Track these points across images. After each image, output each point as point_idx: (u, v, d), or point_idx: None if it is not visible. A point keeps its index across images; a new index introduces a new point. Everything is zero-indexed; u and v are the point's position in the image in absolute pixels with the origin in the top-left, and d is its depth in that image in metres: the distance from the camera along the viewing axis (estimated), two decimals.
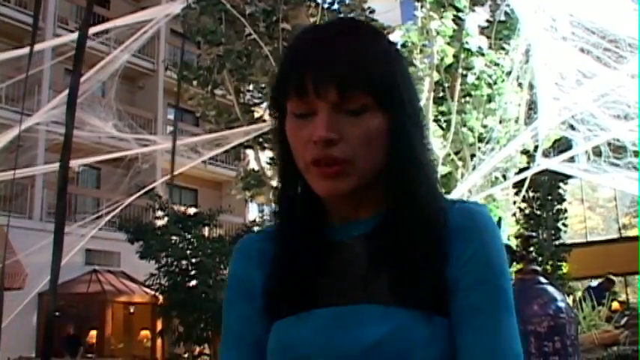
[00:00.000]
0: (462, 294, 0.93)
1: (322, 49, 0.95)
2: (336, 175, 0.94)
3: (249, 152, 10.98)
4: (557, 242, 16.68)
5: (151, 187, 12.41)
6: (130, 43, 6.93)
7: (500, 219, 7.13)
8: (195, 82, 9.91)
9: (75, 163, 9.86)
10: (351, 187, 0.96)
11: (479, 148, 9.19)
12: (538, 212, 16.60)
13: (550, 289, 3.75)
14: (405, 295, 0.92)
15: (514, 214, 12.07)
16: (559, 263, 16.29)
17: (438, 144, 8.71)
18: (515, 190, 10.78)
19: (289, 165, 1.01)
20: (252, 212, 22.05)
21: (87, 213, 19.61)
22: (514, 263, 3.81)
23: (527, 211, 16.45)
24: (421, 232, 0.96)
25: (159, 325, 15.89)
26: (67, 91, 7.74)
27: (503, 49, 9.50)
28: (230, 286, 1.08)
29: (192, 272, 13.76)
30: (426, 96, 8.63)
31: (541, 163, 7.86)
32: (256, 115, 10.30)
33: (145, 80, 21.89)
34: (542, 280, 3.76)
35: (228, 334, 1.06)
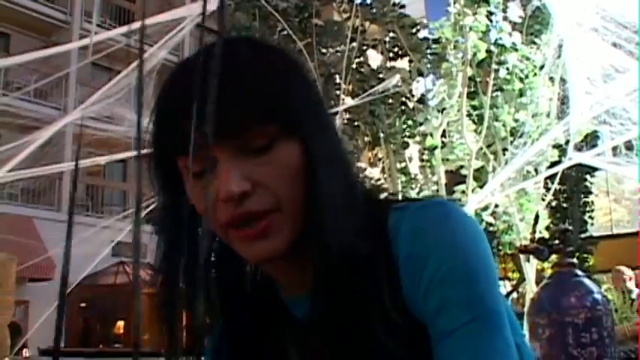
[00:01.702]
0: (431, 326, 0.77)
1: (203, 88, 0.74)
2: (262, 235, 0.78)
3: None
4: (583, 235, 16.61)
5: None
6: (167, 40, 7.03)
7: (537, 214, 7.15)
8: None
9: (109, 159, 9.99)
10: (288, 240, 0.79)
11: (511, 142, 9.22)
12: (565, 205, 16.54)
13: (586, 281, 3.80)
14: None
15: (545, 208, 12.08)
16: (585, 256, 16.23)
17: (470, 138, 8.72)
18: (544, 184, 10.81)
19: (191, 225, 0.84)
20: None
21: (114, 206, 19.93)
22: (550, 256, 3.87)
23: (553, 204, 16.39)
24: (360, 308, 0.79)
25: (184, 317, 16.03)
26: (104, 87, 7.90)
27: (534, 43, 9.52)
28: None
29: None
30: (459, 91, 8.65)
31: (573, 157, 7.84)
32: None
33: (163, 71, 22.02)
34: (579, 272, 3.81)
35: None
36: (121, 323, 18.10)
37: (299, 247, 0.80)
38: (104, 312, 18.10)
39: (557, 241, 3.87)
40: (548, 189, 11.05)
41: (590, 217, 17.26)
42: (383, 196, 0.91)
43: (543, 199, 10.89)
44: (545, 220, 11.05)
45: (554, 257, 3.86)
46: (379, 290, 0.78)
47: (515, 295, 15.39)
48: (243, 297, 0.90)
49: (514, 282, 16.17)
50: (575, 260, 3.76)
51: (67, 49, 12.01)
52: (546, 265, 12.80)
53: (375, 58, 11.75)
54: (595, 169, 16.01)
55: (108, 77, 19.22)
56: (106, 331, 18.13)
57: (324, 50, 10.67)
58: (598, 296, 3.69)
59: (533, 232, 4.40)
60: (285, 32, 9.02)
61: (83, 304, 17.39)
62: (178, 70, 0.83)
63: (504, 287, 14.01)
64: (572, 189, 16.62)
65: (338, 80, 10.68)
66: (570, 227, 4.72)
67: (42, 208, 17.48)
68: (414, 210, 0.81)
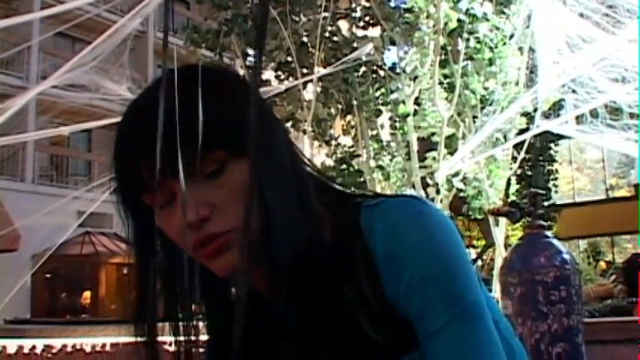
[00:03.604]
0: (416, 328, 0.80)
1: (147, 129, 0.77)
2: (222, 250, 0.81)
3: None
4: (547, 202, 16.91)
5: None
6: (140, 9, 6.97)
7: (509, 179, 7.27)
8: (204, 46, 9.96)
9: (75, 128, 9.86)
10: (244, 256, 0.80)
11: (481, 109, 9.38)
12: (529, 173, 16.80)
13: (555, 242, 3.93)
14: None
15: (515, 173, 12.32)
16: (549, 223, 16.57)
17: (442, 106, 8.82)
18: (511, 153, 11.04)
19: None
20: None
21: (79, 175, 19.67)
22: (521, 219, 3.99)
23: (519, 172, 16.65)
24: (336, 308, 0.82)
25: None
26: (77, 57, 7.78)
27: (504, 13, 9.65)
28: None
29: None
30: (431, 59, 8.73)
31: (540, 125, 8.00)
32: (263, 77, 10.42)
33: (135, 42, 21.68)
34: (548, 234, 3.94)
35: None
36: (87, 293, 18.03)
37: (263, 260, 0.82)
38: (70, 282, 17.99)
39: (527, 205, 3.97)
40: (515, 158, 11.27)
41: (554, 185, 17.59)
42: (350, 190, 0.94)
43: (511, 168, 11.11)
44: (513, 186, 11.34)
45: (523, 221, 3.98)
46: (358, 284, 0.81)
47: (479, 262, 15.70)
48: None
49: (479, 249, 16.48)
50: (544, 222, 3.88)
51: (30, 19, 11.75)
52: (511, 232, 13.10)
53: (348, 28, 11.79)
54: (560, 138, 16.30)
55: (71, 45, 18.92)
56: (72, 301, 18.05)
57: (296, 19, 10.65)
58: (567, 256, 3.82)
59: (506, 195, 4.51)
60: (257, 1, 8.98)
61: (48, 275, 17.25)
62: (130, 112, 0.86)
63: (470, 255, 14.22)
64: (536, 157, 16.87)
65: (311, 49, 10.71)
66: (541, 191, 4.84)
67: (5, 178, 17.16)
68: (387, 209, 0.83)
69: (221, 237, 0.80)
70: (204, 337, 0.97)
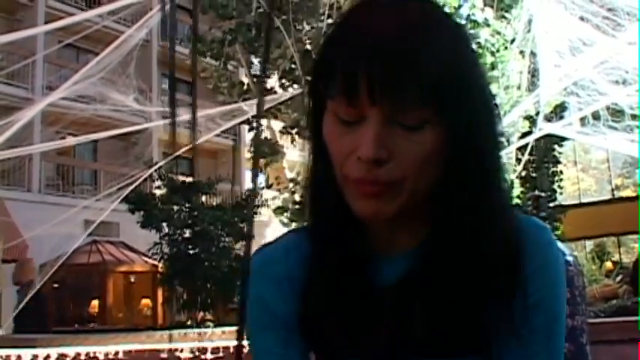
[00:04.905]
0: (516, 342, 0.84)
1: (386, 42, 0.77)
2: (379, 195, 0.80)
3: (263, 122, 11.12)
4: (552, 204, 16.91)
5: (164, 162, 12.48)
6: (147, 20, 7.08)
7: (512, 182, 7.33)
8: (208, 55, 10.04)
9: (84, 139, 9.95)
10: (395, 210, 0.81)
11: None
12: (534, 175, 16.80)
13: (558, 244, 3.98)
14: (452, 347, 0.84)
15: (518, 177, 12.37)
16: (555, 224, 16.54)
17: None
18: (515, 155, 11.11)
19: (323, 169, 0.86)
20: (248, 180, 22.18)
21: (85, 185, 19.76)
22: None
23: (523, 174, 16.63)
24: (465, 274, 0.83)
25: (159, 294, 16.08)
26: (84, 68, 7.89)
27: (505, 18, 9.74)
28: (258, 313, 0.95)
29: (194, 240, 13.94)
30: None
31: (543, 128, 8.07)
32: (268, 86, 10.49)
33: (139, 51, 21.77)
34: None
35: (270, 357, 0.93)
36: (95, 302, 18.06)
37: (407, 216, 0.84)
38: (77, 291, 18.03)
39: (530, 207, 4.02)
40: (519, 160, 11.33)
41: (559, 187, 17.56)
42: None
43: (515, 170, 11.16)
44: (516, 189, 11.41)
45: None
46: (494, 272, 0.83)
47: None
48: (331, 243, 0.91)
49: None
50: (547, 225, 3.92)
51: (36, 32, 11.89)
52: None
53: None
54: (563, 140, 16.30)
55: (75, 55, 19.02)
56: (80, 310, 18.09)
57: (300, 27, 10.68)
58: (570, 258, 3.84)
59: None
60: (260, 9, 9.09)
61: (56, 284, 17.30)
62: (370, 9, 0.82)
63: None
64: (541, 159, 16.87)
65: (315, 56, 10.72)
66: (542, 194, 4.89)
67: (12, 188, 17.25)
68: (527, 226, 0.88)
69: (386, 185, 0.79)
70: None
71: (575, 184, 23.49)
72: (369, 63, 0.76)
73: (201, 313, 14.41)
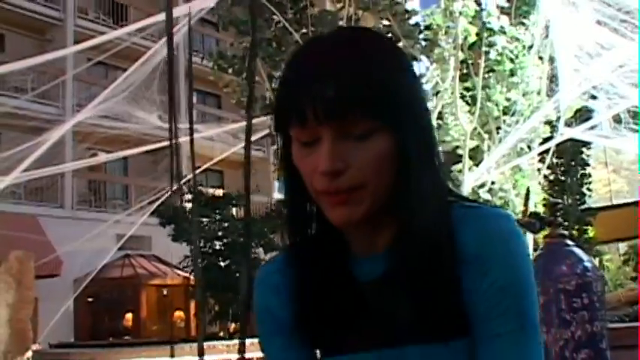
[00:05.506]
0: (481, 321, 0.92)
1: (321, 71, 0.88)
2: (346, 203, 0.90)
3: None
4: (582, 207, 16.69)
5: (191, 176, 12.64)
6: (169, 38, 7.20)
7: (528, 189, 7.32)
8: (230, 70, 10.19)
9: (115, 156, 10.11)
10: (364, 213, 0.91)
11: (504, 120, 9.47)
12: (562, 178, 16.60)
13: (577, 250, 3.99)
14: (435, 331, 0.91)
15: (540, 183, 12.30)
16: (585, 227, 16.32)
17: (464, 119, 8.91)
18: (539, 158, 11.03)
19: (298, 189, 0.97)
20: (278, 191, 22.27)
21: (116, 199, 20.04)
22: (543, 229, 4.05)
23: (551, 178, 16.43)
24: (431, 265, 0.92)
25: (192, 306, 16.19)
26: (111, 86, 8.06)
27: (523, 24, 9.73)
28: (263, 321, 1.06)
29: (225, 252, 14.04)
30: (451, 75, 8.84)
31: (564, 133, 8.03)
32: None
33: (165, 66, 22.02)
34: (569, 242, 4.00)
35: None
36: (129, 315, 18.27)
37: (375, 219, 0.94)
38: (111, 305, 18.25)
39: (550, 215, 4.04)
40: (543, 161, 11.25)
41: (589, 189, 17.30)
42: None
43: (540, 172, 11.09)
44: (540, 195, 11.31)
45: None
46: (444, 263, 0.91)
47: None
48: (315, 250, 1.01)
49: None
50: (565, 232, 3.94)
51: (65, 54, 12.15)
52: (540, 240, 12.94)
53: None
54: (590, 142, 16.09)
55: (104, 72, 19.36)
56: (114, 323, 18.29)
57: None
58: (588, 264, 3.88)
59: (525, 206, 4.57)
60: (281, 24, 9.22)
61: (90, 298, 17.53)
62: (306, 49, 0.96)
63: None
64: (569, 162, 16.65)
65: None
66: (559, 200, 4.89)
67: (45, 205, 17.55)
68: (486, 215, 0.95)
69: (349, 192, 0.89)
70: None
71: (607, 185, 23.18)
72: (312, 93, 0.87)
73: (233, 325, 14.50)
